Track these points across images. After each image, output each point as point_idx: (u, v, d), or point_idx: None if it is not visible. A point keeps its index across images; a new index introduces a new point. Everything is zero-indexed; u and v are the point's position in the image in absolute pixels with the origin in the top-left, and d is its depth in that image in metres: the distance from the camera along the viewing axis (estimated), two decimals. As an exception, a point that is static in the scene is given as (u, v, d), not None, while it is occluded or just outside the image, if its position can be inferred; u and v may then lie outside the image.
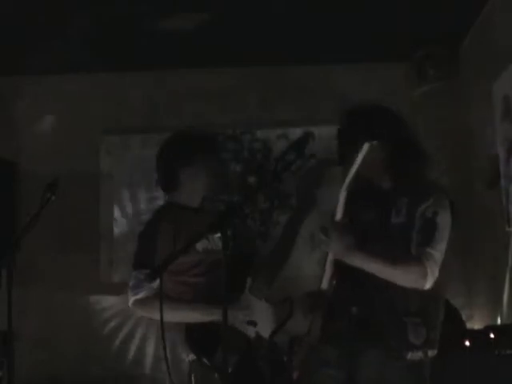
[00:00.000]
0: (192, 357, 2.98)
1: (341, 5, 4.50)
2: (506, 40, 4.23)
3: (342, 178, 2.69)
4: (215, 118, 5.43)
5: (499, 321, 4.54)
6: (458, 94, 5.39)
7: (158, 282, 2.47)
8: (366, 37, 4.96)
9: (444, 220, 2.65)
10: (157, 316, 2.49)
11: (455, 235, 2.70)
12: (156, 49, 5.11)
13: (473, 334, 3.92)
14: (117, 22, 4.70)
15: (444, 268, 2.63)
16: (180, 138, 3.25)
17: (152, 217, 3.18)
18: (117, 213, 5.60)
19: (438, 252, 2.60)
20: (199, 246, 3.03)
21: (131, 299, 3.00)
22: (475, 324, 4.90)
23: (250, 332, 2.99)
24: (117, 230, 5.58)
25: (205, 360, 2.91)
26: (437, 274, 2.59)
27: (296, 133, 4.78)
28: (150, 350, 5.32)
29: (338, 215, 2.63)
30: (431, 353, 2.68)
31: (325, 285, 2.69)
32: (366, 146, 2.52)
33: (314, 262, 4.85)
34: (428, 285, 2.59)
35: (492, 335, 3.78)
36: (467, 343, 3.79)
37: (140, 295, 2.95)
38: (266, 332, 3.02)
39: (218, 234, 2.30)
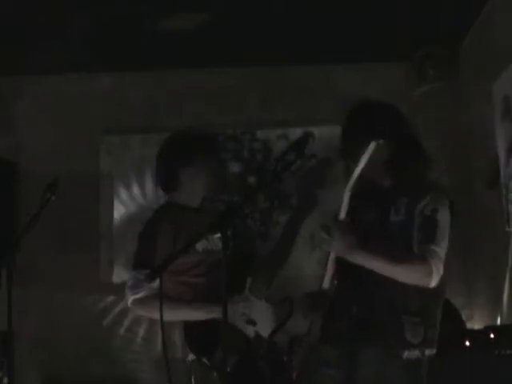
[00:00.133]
0: (192, 356, 2.98)
1: (341, 5, 4.50)
2: (506, 40, 4.23)
3: (344, 177, 2.69)
4: (215, 118, 5.43)
5: (499, 321, 4.53)
6: (458, 94, 5.39)
7: (157, 281, 2.47)
8: (366, 37, 4.96)
9: (444, 217, 2.65)
10: (156, 315, 2.49)
11: (455, 235, 2.71)
12: (156, 49, 5.11)
13: (473, 334, 3.92)
14: (117, 22, 4.70)
15: (444, 267, 2.63)
16: (180, 137, 3.25)
17: (152, 217, 3.18)
18: (117, 213, 5.60)
19: (442, 249, 2.61)
20: (199, 246, 3.03)
21: (130, 299, 3.00)
22: (475, 324, 4.90)
23: (250, 332, 2.99)
24: (117, 230, 5.57)
25: (204, 360, 2.91)
26: (442, 271, 2.59)
27: (296, 133, 4.77)
28: (150, 349, 5.32)
29: (342, 214, 2.63)
30: (429, 352, 2.68)
31: (326, 284, 2.69)
32: (372, 145, 2.52)
33: (314, 262, 4.87)
34: (434, 282, 2.59)
35: (492, 335, 3.78)
36: (467, 343, 3.79)
37: (139, 295, 2.95)
38: (265, 332, 3.02)
39: (218, 234, 2.30)
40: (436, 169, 2.88)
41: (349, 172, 2.68)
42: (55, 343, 5.36)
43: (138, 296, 2.96)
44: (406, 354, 2.63)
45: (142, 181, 5.60)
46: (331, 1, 4.47)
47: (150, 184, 5.55)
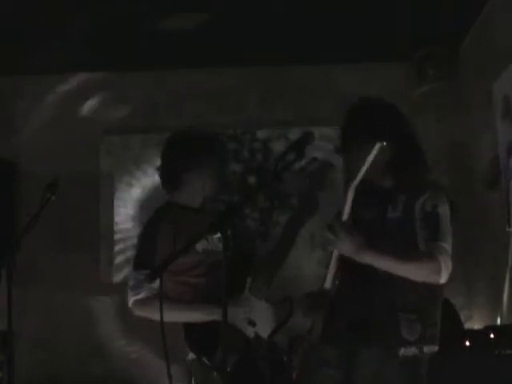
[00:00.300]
0: (192, 356, 2.98)
1: (341, 5, 4.50)
2: (506, 40, 4.23)
3: (344, 177, 2.69)
4: (215, 118, 5.43)
5: (499, 321, 4.53)
6: (458, 94, 5.39)
7: (157, 282, 2.47)
8: (366, 37, 4.96)
9: (445, 212, 2.67)
10: (157, 316, 2.49)
11: (455, 235, 2.71)
12: (156, 49, 5.11)
13: (473, 334, 3.91)
14: (117, 22, 4.70)
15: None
16: (183, 137, 3.24)
17: (152, 217, 3.18)
18: (117, 213, 5.60)
19: (448, 244, 2.62)
20: (199, 246, 3.03)
21: (131, 299, 3.00)
22: (475, 324, 4.90)
23: (250, 332, 2.99)
24: (117, 230, 5.57)
25: (204, 360, 2.91)
26: (450, 266, 2.60)
27: (296, 133, 4.80)
28: (150, 350, 5.32)
29: (345, 214, 2.62)
30: (427, 349, 2.67)
31: (328, 284, 2.69)
32: (377, 146, 2.52)
33: (314, 262, 4.88)
34: (443, 279, 2.59)
35: (492, 335, 3.77)
36: (467, 343, 3.79)
37: (140, 295, 2.95)
38: (265, 332, 3.02)
39: (218, 234, 2.30)
40: (436, 169, 2.88)
41: (349, 172, 2.68)
42: (55, 343, 5.36)
43: (138, 297, 2.96)
44: (402, 351, 2.63)
45: (141, 181, 5.60)
46: (331, 1, 4.47)
47: (149, 184, 5.55)
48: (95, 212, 5.56)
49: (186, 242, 2.75)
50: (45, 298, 5.35)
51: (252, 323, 3.00)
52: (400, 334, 2.63)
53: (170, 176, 3.18)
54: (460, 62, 5.33)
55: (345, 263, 2.67)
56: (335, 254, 2.67)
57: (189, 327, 3.00)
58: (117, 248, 5.50)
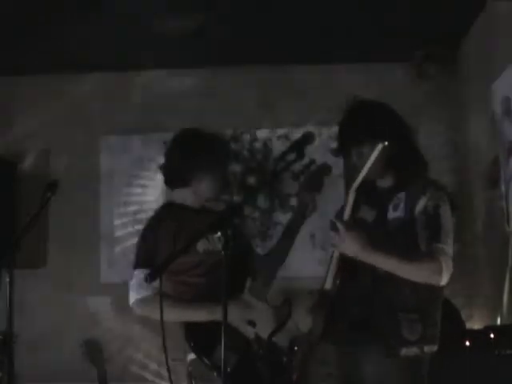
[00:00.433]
0: (192, 356, 2.98)
1: (341, 5, 4.50)
2: (506, 40, 4.23)
3: (344, 177, 2.70)
4: (215, 118, 5.43)
5: (499, 321, 4.53)
6: (458, 94, 5.39)
7: (158, 281, 2.47)
8: (366, 37, 4.96)
9: (446, 213, 2.67)
10: (158, 315, 2.49)
11: (455, 235, 2.71)
12: (156, 49, 5.11)
13: (473, 334, 3.91)
14: (117, 22, 4.70)
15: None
16: (189, 137, 3.21)
17: (153, 216, 3.17)
18: (117, 213, 5.60)
19: (449, 246, 2.62)
20: (200, 246, 3.02)
21: (132, 298, 3.00)
22: (475, 324, 4.90)
23: (249, 333, 2.99)
24: (117, 230, 5.57)
25: (204, 359, 2.91)
26: (451, 267, 2.59)
27: (296, 133, 4.80)
28: (151, 349, 5.32)
29: (347, 214, 2.62)
30: (428, 348, 2.67)
31: (329, 284, 2.69)
32: (379, 146, 2.52)
33: (314, 262, 4.87)
34: (444, 280, 2.59)
35: (492, 335, 3.77)
36: (467, 343, 3.79)
37: (141, 295, 2.95)
38: (264, 333, 3.02)
39: (218, 235, 2.30)
40: (436, 169, 2.88)
41: (349, 172, 2.68)
42: (55, 343, 5.36)
43: (140, 296, 2.96)
44: (403, 351, 2.63)
45: (141, 181, 5.60)
46: (331, 1, 4.47)
47: (149, 184, 5.55)
48: (95, 212, 5.56)
49: (187, 241, 2.75)
50: (45, 298, 5.35)
51: (252, 324, 3.00)
52: (401, 334, 2.63)
53: (174, 175, 3.16)
54: (460, 62, 5.33)
55: (345, 263, 2.67)
56: (336, 254, 2.67)
57: (189, 327, 3.00)
58: (117, 248, 5.51)
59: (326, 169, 3.07)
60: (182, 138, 3.21)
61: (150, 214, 3.24)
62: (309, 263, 4.99)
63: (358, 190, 2.61)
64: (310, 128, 2.68)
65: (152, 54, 5.23)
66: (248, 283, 3.04)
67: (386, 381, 2.66)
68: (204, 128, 3.27)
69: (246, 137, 5.55)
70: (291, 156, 2.48)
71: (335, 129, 2.84)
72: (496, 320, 4.58)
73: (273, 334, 3.04)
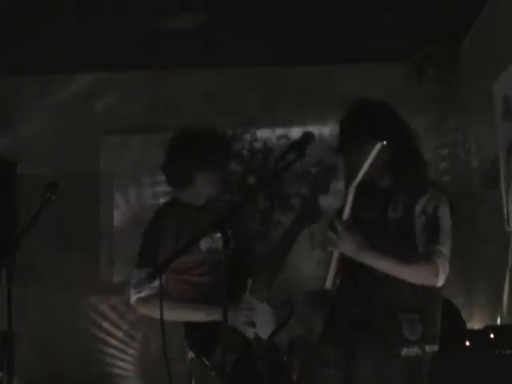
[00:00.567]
0: (191, 355, 2.98)
1: (341, 5, 4.50)
2: (506, 40, 4.23)
3: (344, 177, 2.69)
4: (215, 118, 5.42)
5: (499, 321, 4.53)
6: (458, 94, 5.39)
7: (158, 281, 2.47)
8: (366, 37, 4.96)
9: (446, 214, 2.67)
10: (159, 314, 2.49)
11: (455, 235, 2.71)
12: (156, 49, 5.11)
13: (473, 334, 3.91)
14: (117, 22, 4.70)
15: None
16: (190, 136, 3.19)
17: (155, 214, 3.17)
18: (117, 213, 5.60)
19: (447, 248, 2.62)
20: (203, 245, 3.02)
21: (134, 297, 2.99)
22: (475, 324, 4.90)
23: (249, 333, 2.99)
24: (117, 230, 5.57)
25: (203, 359, 2.91)
26: (448, 270, 2.60)
27: (296, 133, 4.80)
28: (151, 349, 5.32)
29: (346, 214, 2.62)
30: (429, 348, 2.67)
31: (329, 284, 2.69)
32: (378, 146, 2.52)
33: (314, 263, 4.86)
34: (440, 282, 2.59)
35: (492, 335, 3.77)
36: (467, 343, 3.79)
37: (143, 293, 2.95)
38: (264, 333, 3.02)
39: (218, 234, 2.30)
40: (436, 169, 2.88)
41: (349, 172, 2.67)
42: (55, 343, 5.37)
43: (141, 295, 2.96)
44: (404, 351, 2.63)
45: (141, 181, 5.60)
46: (331, 1, 4.47)
47: (149, 184, 5.56)
48: (95, 212, 5.57)
49: (189, 240, 2.75)
50: (45, 298, 5.36)
51: (251, 324, 3.00)
52: (402, 334, 2.63)
53: (176, 174, 3.15)
54: (460, 62, 5.33)
55: (345, 263, 2.67)
56: (335, 254, 2.67)
57: (189, 326, 3.00)
58: (117, 248, 5.51)
59: (333, 170, 3.05)
60: (183, 137, 3.21)
61: (151, 213, 3.24)
62: (309, 263, 4.99)
63: (357, 189, 2.61)
64: (310, 128, 2.66)
65: (152, 53, 5.23)
66: (249, 284, 3.04)
67: (387, 381, 2.65)
68: (204, 127, 3.26)
69: (246, 137, 5.55)
70: (291, 156, 2.48)
71: (335, 129, 2.84)
72: (496, 320, 4.58)
73: (273, 334, 3.04)
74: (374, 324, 2.67)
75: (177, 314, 2.93)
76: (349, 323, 2.72)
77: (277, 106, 5.55)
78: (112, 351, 5.45)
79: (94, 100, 5.64)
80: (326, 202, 3.04)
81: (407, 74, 5.32)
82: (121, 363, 5.42)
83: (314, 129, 2.69)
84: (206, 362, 2.90)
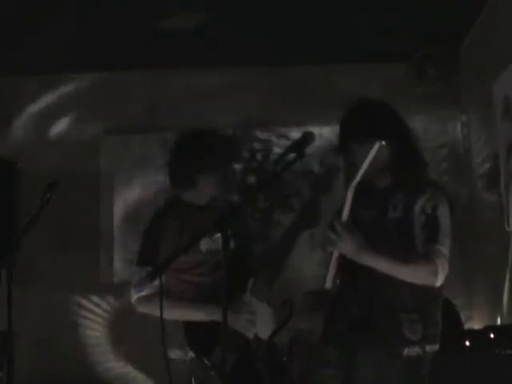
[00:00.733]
0: (191, 355, 2.98)
1: (341, 5, 4.49)
2: (506, 40, 4.23)
3: (344, 177, 2.69)
4: (215, 118, 5.42)
5: (499, 321, 4.53)
6: (458, 94, 5.39)
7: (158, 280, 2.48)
8: (366, 37, 4.96)
9: (445, 214, 2.67)
10: (158, 313, 2.49)
11: (455, 235, 2.71)
12: (156, 49, 5.11)
13: (473, 334, 3.91)
14: (117, 22, 4.70)
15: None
16: (194, 137, 3.19)
17: (157, 213, 3.17)
18: (117, 212, 5.60)
19: (446, 247, 2.62)
20: (203, 246, 3.03)
21: (134, 296, 3.00)
22: (475, 324, 4.90)
23: (249, 333, 2.99)
24: (117, 230, 5.57)
25: (203, 359, 2.91)
26: (447, 269, 2.60)
27: (296, 133, 4.79)
28: (150, 349, 5.32)
29: (345, 214, 2.62)
30: (430, 348, 2.68)
31: (329, 284, 2.69)
32: (376, 146, 2.53)
33: (315, 263, 4.85)
34: (439, 282, 2.59)
35: (492, 335, 3.77)
36: (467, 343, 3.79)
37: (144, 292, 2.95)
38: (264, 334, 3.02)
39: (218, 234, 2.30)
40: (436, 169, 2.88)
41: (348, 172, 2.68)
42: (55, 343, 5.36)
43: (142, 294, 2.96)
44: (405, 351, 2.63)
45: (141, 180, 5.60)
46: (331, 1, 4.47)
47: (149, 184, 5.55)
48: (95, 212, 5.57)
49: (189, 239, 2.75)
50: (45, 298, 5.35)
51: (251, 324, 3.00)
52: (403, 334, 2.63)
53: (180, 175, 3.14)
54: (460, 62, 5.33)
55: (345, 263, 2.67)
56: (335, 254, 2.67)
57: (189, 326, 3.00)
58: (117, 248, 5.51)
59: (335, 170, 3.05)
60: (187, 138, 3.20)
61: (150, 213, 3.24)
62: (309, 263, 4.99)
63: (357, 189, 2.61)
64: (310, 128, 2.66)
65: (152, 53, 5.23)
66: (249, 284, 3.04)
67: (387, 381, 2.66)
68: (205, 127, 3.26)
69: (246, 137, 5.54)
70: (291, 156, 2.48)
71: (335, 129, 2.84)
72: (496, 320, 4.58)
73: (273, 334, 3.04)
74: (374, 324, 2.67)
75: (177, 314, 2.93)
76: (349, 323, 2.72)
77: (277, 106, 5.54)
78: (112, 351, 5.44)
79: (94, 100, 5.64)
80: (328, 202, 3.04)
81: (407, 73, 5.32)
82: (121, 363, 5.42)
83: (314, 129, 2.69)
84: (205, 361, 2.91)
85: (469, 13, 4.71)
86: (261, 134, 5.57)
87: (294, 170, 5.20)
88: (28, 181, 5.35)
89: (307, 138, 2.48)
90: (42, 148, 5.59)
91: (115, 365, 5.41)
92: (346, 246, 2.60)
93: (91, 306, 5.48)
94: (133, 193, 5.61)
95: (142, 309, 3.03)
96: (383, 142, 2.55)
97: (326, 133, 4.66)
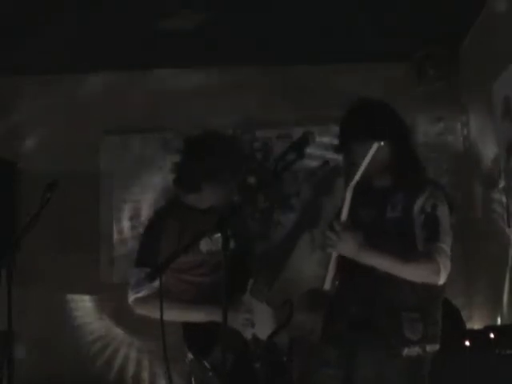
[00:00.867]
0: (191, 356, 2.98)
1: (341, 5, 4.49)
2: (506, 40, 4.23)
3: (345, 176, 2.69)
4: (215, 118, 5.43)
5: (499, 321, 4.53)
6: (458, 94, 5.39)
7: (158, 280, 2.47)
8: (366, 37, 4.96)
9: (444, 213, 2.67)
10: (157, 315, 2.49)
11: (455, 235, 2.71)
12: (156, 49, 5.11)
13: (473, 334, 3.92)
14: (117, 22, 4.70)
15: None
16: (203, 141, 3.12)
17: (156, 214, 3.16)
18: (117, 213, 5.60)
19: (447, 245, 2.62)
20: (203, 247, 3.02)
21: (132, 297, 2.99)
22: (475, 324, 4.90)
23: (247, 333, 2.98)
24: (117, 230, 5.57)
25: (201, 359, 2.91)
26: (449, 268, 2.60)
27: (296, 133, 4.80)
28: (150, 349, 5.32)
29: (344, 214, 2.62)
30: (430, 348, 2.68)
31: (328, 285, 2.69)
32: (375, 146, 2.53)
33: (314, 263, 4.86)
34: (442, 280, 2.60)
35: (492, 335, 3.78)
36: (467, 343, 3.79)
37: (141, 293, 2.95)
38: (263, 334, 3.01)
39: (218, 234, 2.30)
40: (436, 169, 2.88)
41: (348, 172, 2.68)
42: (55, 343, 5.36)
43: (139, 295, 2.95)
44: (405, 351, 2.63)
45: (141, 181, 5.60)
46: (331, 1, 4.47)
47: (149, 184, 5.55)
48: (95, 212, 5.56)
49: (189, 240, 2.74)
50: (45, 298, 5.35)
51: (250, 324, 2.99)
52: (403, 334, 2.63)
53: (186, 178, 3.10)
54: (460, 62, 5.33)
55: (344, 264, 2.67)
56: (334, 254, 2.67)
57: (187, 327, 3.00)
58: (116, 248, 5.51)
59: (338, 171, 3.04)
60: (199, 141, 3.14)
61: (151, 213, 3.23)
62: (308, 264, 4.99)
63: (356, 189, 2.61)
64: (310, 128, 2.66)
65: (152, 53, 5.23)
66: (249, 284, 3.04)
67: (387, 381, 2.66)
68: (219, 131, 3.23)
69: (246, 137, 5.55)
70: (291, 156, 2.48)
71: (335, 129, 2.84)
72: (496, 320, 4.58)
73: (273, 334, 3.03)
74: (375, 324, 2.67)
75: (176, 315, 2.92)
76: (348, 323, 2.72)
77: (277, 105, 5.54)
78: (112, 351, 5.44)
79: (94, 100, 5.64)
80: (329, 202, 3.04)
81: (407, 73, 5.32)
82: (121, 363, 5.42)
83: (314, 129, 2.69)
84: (203, 362, 2.90)
85: (469, 13, 4.71)
86: (261, 134, 5.57)
87: (294, 170, 5.21)
88: (28, 181, 5.35)
89: (307, 138, 2.48)
90: (42, 148, 5.59)
91: (115, 365, 5.41)
92: (346, 246, 2.60)
93: (91, 306, 5.48)
94: (133, 193, 5.61)
95: (140, 310, 3.02)
96: (381, 143, 2.56)
97: (326, 133, 4.66)
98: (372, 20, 4.74)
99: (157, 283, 2.58)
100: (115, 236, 5.56)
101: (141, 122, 5.61)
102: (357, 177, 2.58)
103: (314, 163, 3.06)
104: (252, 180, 5.42)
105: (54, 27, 4.69)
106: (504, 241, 4.38)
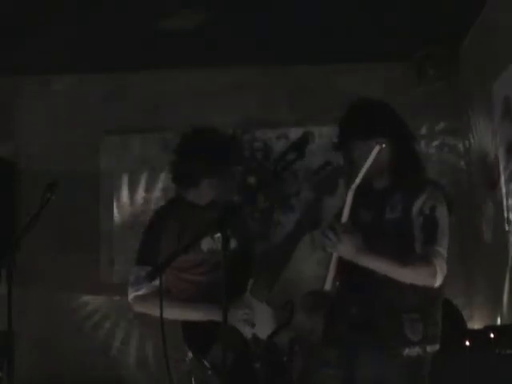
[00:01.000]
0: (191, 355, 2.98)
1: (341, 5, 4.49)
2: (506, 40, 4.23)
3: (346, 177, 2.69)
4: (215, 118, 5.42)
5: (499, 321, 4.53)
6: (458, 94, 5.39)
7: (158, 279, 2.47)
8: (366, 37, 4.96)
9: (443, 214, 2.67)
10: (156, 313, 2.49)
11: (455, 235, 2.71)
12: (156, 49, 5.11)
13: (473, 334, 3.92)
14: (117, 22, 4.70)
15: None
16: (200, 137, 3.16)
17: (157, 214, 3.16)
18: (117, 213, 5.60)
19: (444, 248, 2.63)
20: (204, 246, 3.02)
21: (131, 295, 2.99)
22: (475, 324, 4.90)
23: (247, 332, 2.98)
24: (117, 230, 5.57)
25: (201, 358, 2.91)
26: (445, 270, 2.61)
27: (296, 133, 4.80)
28: (150, 349, 5.32)
29: (345, 216, 2.62)
30: (430, 348, 2.68)
31: (328, 286, 2.69)
32: (377, 148, 2.53)
33: (315, 263, 4.87)
34: (438, 282, 2.60)
35: (492, 335, 3.78)
36: (467, 343, 3.79)
37: (141, 292, 2.95)
38: (263, 334, 3.01)
39: (218, 234, 2.30)
40: (436, 169, 2.88)
41: (348, 173, 2.68)
42: (55, 343, 5.36)
43: (139, 293, 2.95)
44: (406, 351, 2.63)
45: (141, 180, 5.60)
46: (331, 1, 4.47)
47: (149, 184, 5.55)
48: (95, 212, 5.57)
49: (190, 239, 2.74)
50: (45, 298, 5.35)
51: (250, 324, 2.99)
52: (404, 335, 2.63)
53: (184, 176, 3.12)
54: (460, 62, 5.33)
55: (345, 265, 2.67)
56: (335, 255, 2.67)
57: (186, 325, 3.00)
58: (117, 248, 5.51)
59: (340, 172, 3.03)
60: (192, 137, 3.18)
61: (151, 213, 3.23)
62: (309, 264, 4.99)
63: (356, 191, 2.61)
64: (310, 128, 2.66)
65: (152, 53, 5.23)
66: (250, 284, 3.04)
67: (387, 381, 2.66)
68: (210, 127, 3.24)
69: (246, 137, 5.55)
70: (291, 156, 2.48)
71: (335, 129, 2.84)
72: (496, 320, 4.58)
73: (273, 334, 3.03)
74: (375, 324, 2.67)
75: (175, 313, 2.92)
76: (349, 324, 2.72)
77: (277, 106, 5.55)
78: (112, 351, 5.44)
79: (94, 100, 5.64)
80: (330, 203, 3.04)
81: (407, 73, 5.32)
82: (121, 363, 5.42)
83: (314, 129, 2.69)
84: (203, 361, 2.90)
85: (469, 13, 4.71)
86: (261, 134, 5.57)
87: (294, 170, 5.22)
88: (28, 181, 5.35)
89: (307, 138, 2.48)
90: (42, 148, 5.59)
91: (115, 365, 5.41)
92: (345, 249, 2.60)
93: (91, 306, 5.48)
94: (133, 193, 5.61)
95: (139, 308, 3.02)
96: (383, 145, 2.56)
97: (326, 133, 4.66)
98: (372, 20, 4.74)
99: (156, 282, 2.58)
100: (115, 236, 5.56)
101: (141, 122, 5.61)
102: (358, 179, 2.58)
103: (314, 163, 3.06)
104: (252, 180, 5.42)
105: (54, 27, 4.70)
106: (504, 241, 4.38)
